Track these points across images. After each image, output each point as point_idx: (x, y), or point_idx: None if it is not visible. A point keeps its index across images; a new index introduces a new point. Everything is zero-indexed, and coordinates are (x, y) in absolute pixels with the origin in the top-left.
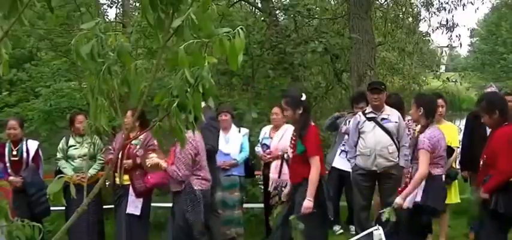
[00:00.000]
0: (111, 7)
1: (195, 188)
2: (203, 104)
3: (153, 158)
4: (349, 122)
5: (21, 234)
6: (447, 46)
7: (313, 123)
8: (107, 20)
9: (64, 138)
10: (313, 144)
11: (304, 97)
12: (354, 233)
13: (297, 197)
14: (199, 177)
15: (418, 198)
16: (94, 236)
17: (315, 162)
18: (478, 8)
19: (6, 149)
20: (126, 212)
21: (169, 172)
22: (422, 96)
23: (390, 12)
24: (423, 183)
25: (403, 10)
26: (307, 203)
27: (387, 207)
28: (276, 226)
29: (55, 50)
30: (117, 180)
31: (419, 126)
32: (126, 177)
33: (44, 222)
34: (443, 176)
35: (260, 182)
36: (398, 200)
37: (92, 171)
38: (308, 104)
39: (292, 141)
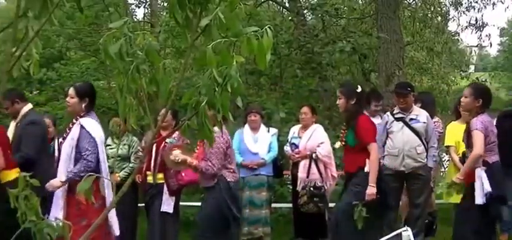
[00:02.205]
0: (139, 7)
1: (228, 180)
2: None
3: (178, 154)
4: None
5: (51, 231)
6: (476, 45)
7: (366, 113)
8: (135, 19)
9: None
10: (367, 131)
11: (359, 89)
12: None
13: (351, 186)
14: (231, 170)
15: (489, 189)
16: (126, 235)
17: (373, 148)
18: (508, 7)
19: None
20: (161, 211)
21: (201, 168)
22: (480, 87)
23: (418, 11)
24: (484, 176)
25: (432, 9)
26: (371, 190)
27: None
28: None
29: (84, 49)
30: (150, 179)
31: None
32: (160, 175)
33: None
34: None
35: (288, 182)
36: (456, 179)
37: (121, 174)
38: (363, 97)
39: (342, 132)
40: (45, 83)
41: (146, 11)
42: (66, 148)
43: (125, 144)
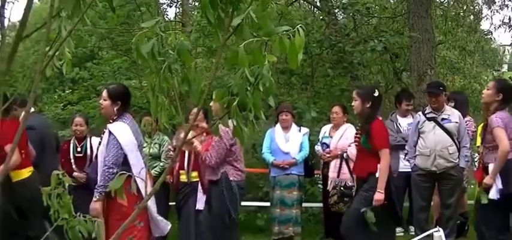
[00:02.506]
0: (170, 6)
1: (231, 178)
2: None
3: (197, 145)
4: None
5: (83, 229)
6: (510, 44)
7: (380, 118)
8: (167, 19)
9: None
10: (380, 137)
11: (377, 93)
12: (413, 233)
13: (362, 191)
14: (236, 168)
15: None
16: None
17: (385, 154)
18: None
19: (71, 146)
20: (196, 209)
21: (202, 156)
22: (503, 82)
23: (451, 10)
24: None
25: (464, 8)
26: (378, 196)
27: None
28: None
29: (116, 49)
30: (184, 177)
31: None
32: (194, 174)
33: None
34: None
35: (319, 181)
36: (487, 179)
37: (152, 173)
38: (380, 102)
39: (357, 135)
40: (78, 82)
41: (177, 10)
42: (100, 156)
43: (156, 143)
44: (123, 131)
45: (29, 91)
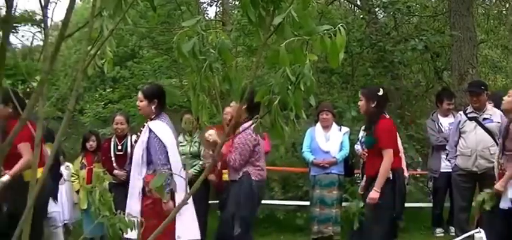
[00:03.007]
0: (210, 5)
1: (253, 178)
2: None
3: (212, 134)
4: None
5: (123, 226)
6: None
7: (387, 117)
8: (207, 18)
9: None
10: (386, 137)
11: (381, 92)
12: (453, 234)
13: (370, 190)
14: (257, 167)
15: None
16: None
17: (387, 154)
18: None
19: (112, 144)
20: None
21: (226, 158)
22: None
23: (493, 8)
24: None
25: (507, 6)
26: (373, 194)
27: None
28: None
29: (156, 47)
30: (227, 176)
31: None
32: None
33: None
34: None
35: (359, 181)
36: (497, 186)
37: (192, 171)
38: (385, 101)
39: (363, 136)
40: (119, 81)
41: (218, 9)
42: (138, 151)
43: (196, 142)
44: (164, 130)
45: (70, 90)
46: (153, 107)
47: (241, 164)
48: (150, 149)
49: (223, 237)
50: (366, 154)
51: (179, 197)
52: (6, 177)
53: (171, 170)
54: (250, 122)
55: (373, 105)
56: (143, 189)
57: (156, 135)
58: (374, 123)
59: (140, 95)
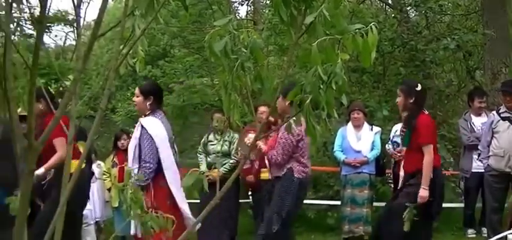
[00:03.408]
0: (242, 5)
1: (295, 175)
2: None
3: (251, 138)
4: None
5: (155, 224)
6: None
7: (426, 113)
8: (238, 17)
9: (207, 133)
10: (426, 133)
11: (419, 87)
12: (485, 235)
13: (407, 186)
14: (301, 163)
15: None
16: (224, 232)
17: (428, 150)
18: None
19: None
20: None
21: (268, 155)
22: None
23: None
24: None
25: None
26: (423, 192)
27: None
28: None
29: (188, 47)
30: (266, 175)
31: None
32: None
33: None
34: None
35: (390, 181)
36: None
37: (222, 170)
38: (423, 97)
39: (402, 132)
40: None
41: (249, 8)
42: (131, 148)
43: (226, 141)
44: (154, 125)
45: (103, 89)
46: (148, 104)
47: (285, 160)
48: (141, 145)
49: (265, 236)
50: (398, 154)
51: (175, 191)
52: (41, 170)
53: (151, 168)
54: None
55: (411, 101)
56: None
57: (147, 131)
58: (414, 118)
59: (137, 90)
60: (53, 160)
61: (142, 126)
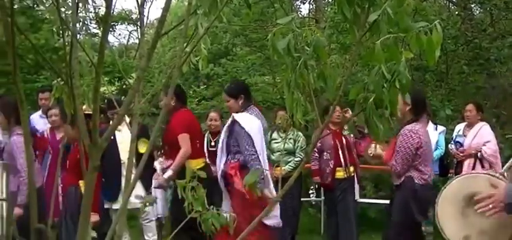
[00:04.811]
0: (303, 3)
1: (415, 182)
2: None
3: (376, 149)
4: None
5: (216, 222)
6: None
7: None
8: (300, 15)
9: (270, 131)
10: None
11: None
12: None
13: None
14: (421, 171)
15: None
16: (286, 229)
17: None
18: None
19: (205, 140)
20: (355, 200)
21: (389, 165)
22: None
23: None
24: None
25: None
26: None
27: None
28: None
29: (250, 45)
30: (341, 174)
31: None
32: (352, 168)
33: None
34: None
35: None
36: None
37: (287, 168)
38: None
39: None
40: (212, 78)
41: (311, 6)
42: (219, 143)
43: (290, 139)
44: (247, 119)
45: (166, 86)
46: (240, 103)
47: (404, 169)
48: (237, 139)
49: None
50: (460, 154)
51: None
52: (169, 173)
53: (258, 158)
54: (413, 124)
55: None
56: (225, 174)
57: (240, 125)
58: None
59: (225, 96)
60: (178, 158)
61: (235, 121)
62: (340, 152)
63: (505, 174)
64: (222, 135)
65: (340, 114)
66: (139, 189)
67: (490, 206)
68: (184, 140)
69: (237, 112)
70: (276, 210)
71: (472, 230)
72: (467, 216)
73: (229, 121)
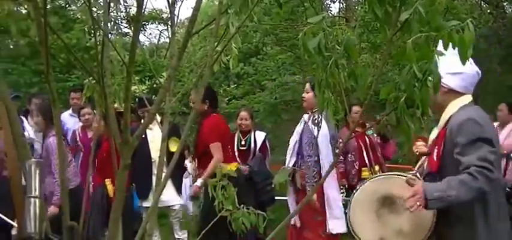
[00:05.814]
0: (334, 2)
1: None
2: None
3: (421, 146)
4: None
5: (246, 220)
6: None
7: None
8: (330, 14)
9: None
10: None
11: None
12: None
13: None
14: None
15: None
16: None
17: None
18: None
19: (235, 139)
20: None
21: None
22: None
23: None
24: None
25: None
26: None
27: None
28: None
29: (280, 44)
30: (366, 174)
31: None
32: (377, 167)
33: (267, 210)
34: None
35: None
36: None
37: None
38: None
39: None
40: (242, 77)
41: (341, 5)
42: (292, 142)
43: None
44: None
45: (196, 85)
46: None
47: None
48: (303, 140)
49: None
50: None
51: (328, 188)
52: (200, 181)
53: (317, 162)
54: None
55: None
56: (293, 177)
57: (309, 127)
58: None
59: (308, 86)
60: (210, 167)
61: (305, 122)
62: (364, 153)
63: (417, 174)
64: (294, 137)
65: (359, 114)
66: (170, 188)
67: (418, 203)
68: (216, 149)
69: (311, 108)
70: (339, 212)
71: (387, 231)
72: (382, 217)
73: (301, 122)
